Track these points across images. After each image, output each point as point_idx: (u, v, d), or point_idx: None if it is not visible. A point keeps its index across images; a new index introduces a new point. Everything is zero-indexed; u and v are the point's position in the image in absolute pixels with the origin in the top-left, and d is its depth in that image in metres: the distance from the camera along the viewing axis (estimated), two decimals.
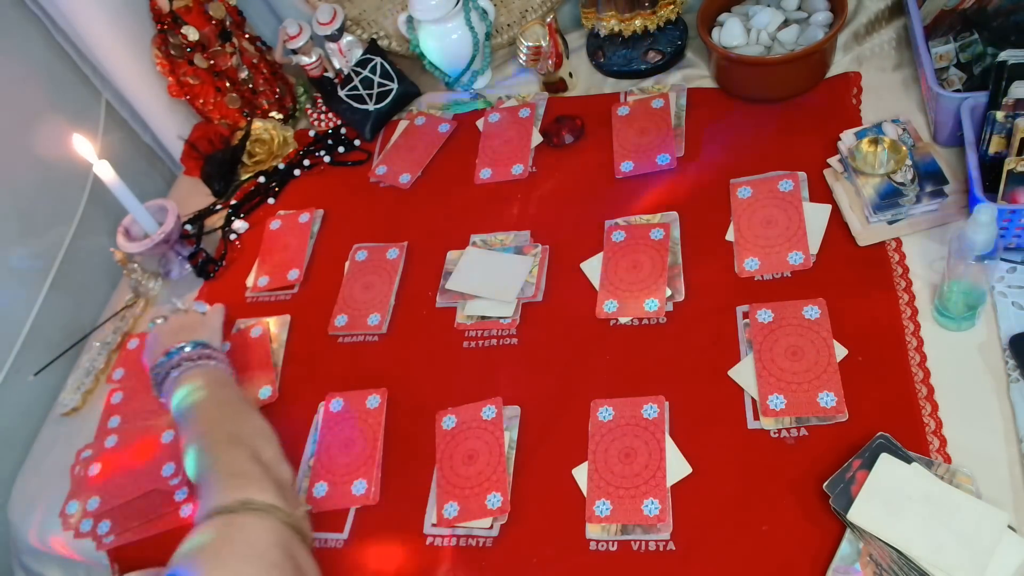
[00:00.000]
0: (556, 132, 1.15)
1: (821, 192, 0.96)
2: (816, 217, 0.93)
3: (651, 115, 1.12)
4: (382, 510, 0.87)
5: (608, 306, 0.94)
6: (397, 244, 1.10)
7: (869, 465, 0.72)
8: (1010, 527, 0.67)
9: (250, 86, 1.30)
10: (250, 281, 1.15)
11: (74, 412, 1.09)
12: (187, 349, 0.93)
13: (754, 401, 0.82)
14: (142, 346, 1.08)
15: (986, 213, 0.71)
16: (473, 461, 0.86)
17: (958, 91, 0.93)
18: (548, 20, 1.14)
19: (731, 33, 1.07)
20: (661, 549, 0.76)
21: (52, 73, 1.25)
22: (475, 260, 1.04)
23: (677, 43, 1.19)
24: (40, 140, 1.20)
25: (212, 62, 1.25)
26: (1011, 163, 0.81)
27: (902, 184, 0.89)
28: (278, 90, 1.34)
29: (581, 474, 0.82)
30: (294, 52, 1.26)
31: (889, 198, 0.89)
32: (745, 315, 0.89)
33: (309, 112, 1.35)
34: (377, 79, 1.27)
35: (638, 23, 1.16)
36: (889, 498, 0.70)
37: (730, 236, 0.96)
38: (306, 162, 1.27)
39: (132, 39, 1.22)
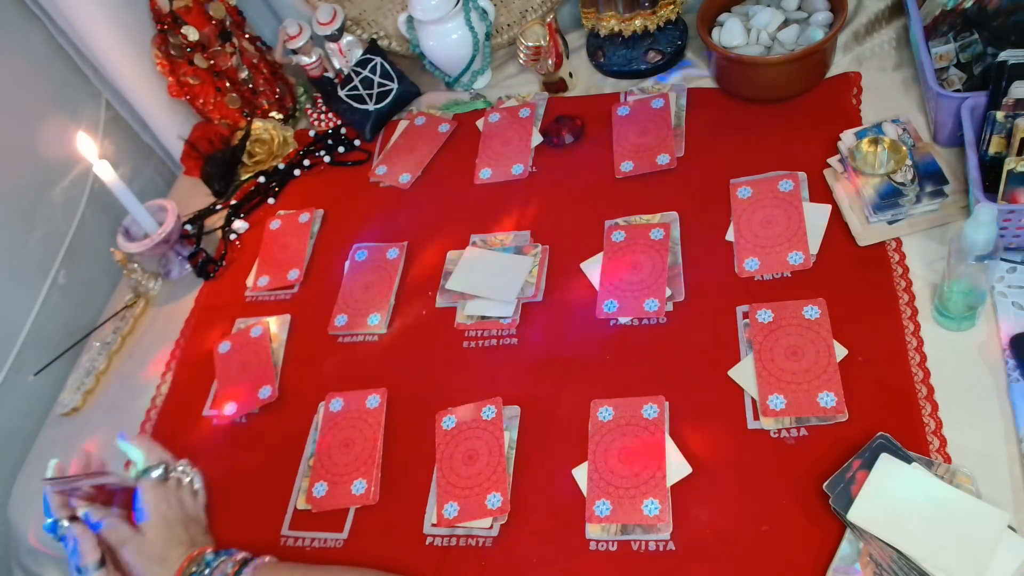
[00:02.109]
0: (556, 132, 1.15)
1: (821, 192, 0.96)
2: (816, 217, 0.93)
3: (651, 115, 1.12)
4: (382, 510, 0.87)
5: (608, 306, 0.94)
6: (397, 244, 1.10)
7: (869, 465, 0.72)
8: (1010, 527, 0.67)
9: (250, 86, 1.30)
10: (250, 281, 1.15)
11: (74, 412, 1.09)
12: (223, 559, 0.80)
13: (754, 401, 0.82)
14: None
15: (986, 213, 0.71)
16: (473, 461, 0.86)
17: (958, 91, 0.92)
18: (548, 20, 1.14)
19: (731, 33, 1.07)
20: (661, 549, 0.76)
21: (52, 73, 1.25)
22: (475, 260, 1.04)
23: (677, 43, 1.19)
24: (40, 140, 1.20)
25: (212, 62, 1.25)
26: (1011, 163, 0.81)
27: (902, 184, 0.89)
28: (278, 90, 1.34)
29: (581, 474, 0.82)
30: (294, 52, 1.26)
31: (889, 198, 0.89)
32: (745, 315, 0.89)
33: (309, 112, 1.35)
34: (377, 79, 1.27)
35: (638, 23, 1.16)
36: (889, 498, 0.70)
37: (730, 236, 0.96)
38: (306, 162, 1.27)
39: (132, 39, 1.22)
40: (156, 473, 0.87)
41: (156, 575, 0.79)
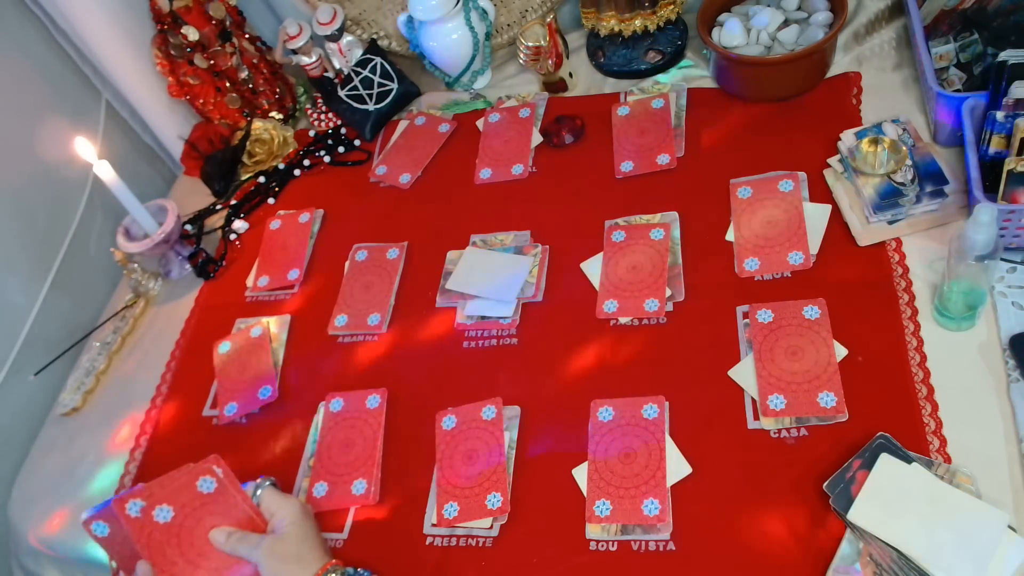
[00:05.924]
0: (556, 132, 1.15)
1: (821, 192, 0.96)
2: (816, 217, 0.93)
3: (651, 115, 1.12)
4: (382, 510, 0.87)
5: (608, 306, 0.94)
6: (397, 244, 1.10)
7: (869, 465, 0.73)
8: (1010, 527, 0.67)
9: (250, 86, 1.30)
10: (250, 281, 1.15)
11: (74, 412, 1.09)
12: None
13: (754, 401, 0.82)
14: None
15: (986, 213, 0.71)
16: (473, 461, 0.86)
17: (958, 91, 0.93)
18: (548, 20, 1.14)
19: (731, 33, 1.07)
20: (661, 549, 0.76)
21: (52, 73, 1.25)
22: (475, 260, 1.04)
23: (677, 43, 1.19)
24: (40, 140, 1.20)
25: (212, 62, 1.25)
26: (1011, 163, 0.81)
27: (902, 184, 0.89)
28: (278, 90, 1.34)
29: (581, 474, 0.82)
30: (294, 52, 1.26)
31: (889, 198, 0.89)
32: (745, 315, 0.89)
33: (309, 112, 1.35)
34: (377, 79, 1.27)
35: (638, 23, 1.16)
36: (889, 498, 0.70)
37: (730, 236, 0.96)
38: (306, 162, 1.27)
39: (132, 39, 1.22)
40: (269, 482, 0.83)
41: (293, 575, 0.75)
